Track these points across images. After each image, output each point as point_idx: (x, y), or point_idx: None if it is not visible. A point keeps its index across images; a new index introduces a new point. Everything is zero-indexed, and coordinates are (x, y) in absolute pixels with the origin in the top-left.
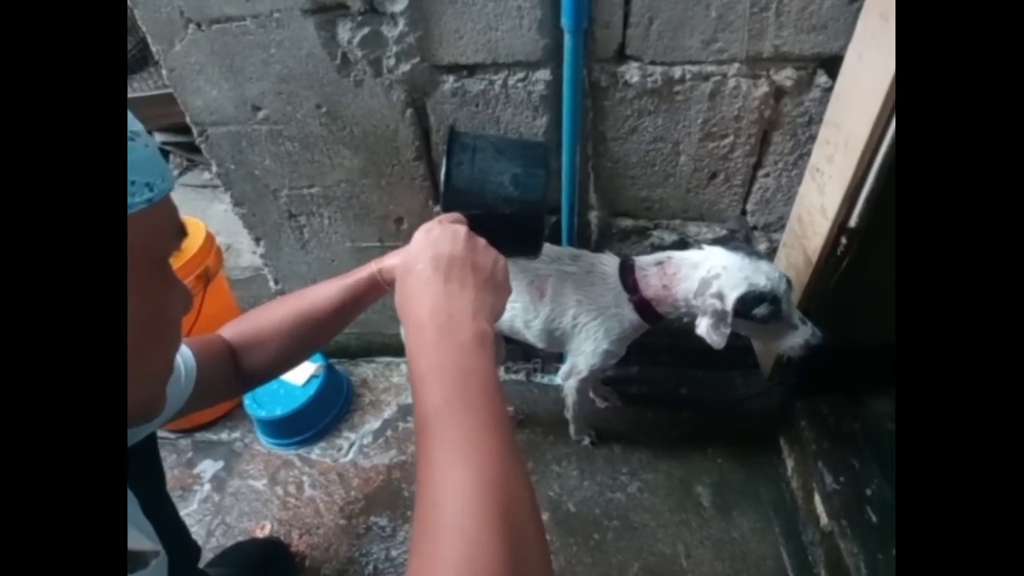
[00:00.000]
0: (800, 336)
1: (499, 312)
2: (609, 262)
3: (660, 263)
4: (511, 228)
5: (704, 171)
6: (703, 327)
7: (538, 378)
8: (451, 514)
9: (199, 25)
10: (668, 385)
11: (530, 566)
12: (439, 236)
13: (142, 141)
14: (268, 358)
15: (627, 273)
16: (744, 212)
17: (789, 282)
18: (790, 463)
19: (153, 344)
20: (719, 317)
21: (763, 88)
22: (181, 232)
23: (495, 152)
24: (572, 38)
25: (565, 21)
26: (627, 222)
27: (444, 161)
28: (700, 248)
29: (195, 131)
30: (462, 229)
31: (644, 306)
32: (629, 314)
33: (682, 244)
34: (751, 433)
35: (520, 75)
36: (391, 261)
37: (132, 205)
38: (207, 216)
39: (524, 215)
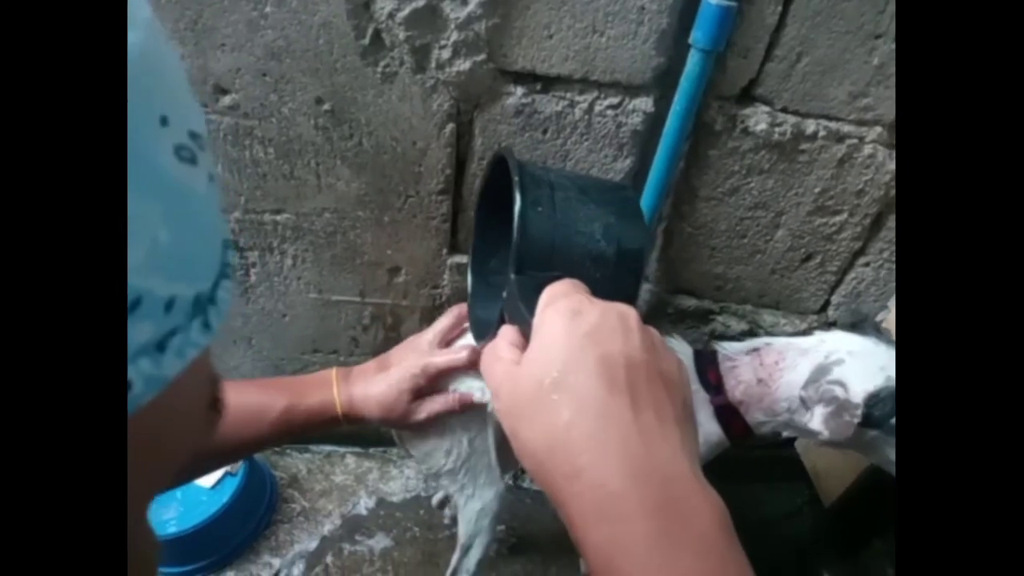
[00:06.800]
0: None
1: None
2: (680, 349)
3: (755, 350)
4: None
5: (800, 251)
6: (817, 418)
7: (528, 482)
8: None
9: None
10: None
11: None
12: (599, 323)
13: None
14: None
15: (707, 365)
16: (827, 304)
17: None
18: None
19: None
20: (841, 406)
21: None
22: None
23: (578, 192)
24: (701, 59)
25: (697, 36)
26: (689, 302)
27: (517, 199)
28: (811, 335)
29: None
30: (631, 313)
31: (729, 413)
32: (708, 424)
33: (751, 336)
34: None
35: (614, 100)
36: (363, 389)
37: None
38: None
39: (618, 281)
